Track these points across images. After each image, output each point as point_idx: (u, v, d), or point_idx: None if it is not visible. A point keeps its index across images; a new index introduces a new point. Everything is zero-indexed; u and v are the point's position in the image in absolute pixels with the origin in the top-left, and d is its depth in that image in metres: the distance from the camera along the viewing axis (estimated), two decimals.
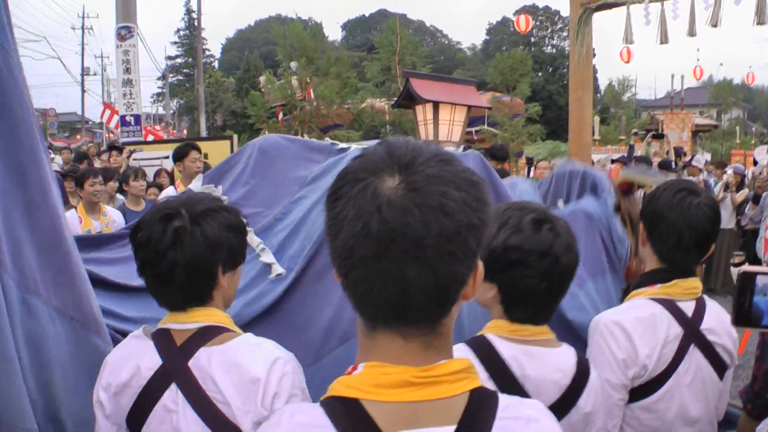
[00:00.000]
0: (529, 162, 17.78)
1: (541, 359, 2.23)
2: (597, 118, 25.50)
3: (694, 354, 2.65)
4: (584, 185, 5.03)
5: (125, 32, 14.92)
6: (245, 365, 2.09)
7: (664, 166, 12.65)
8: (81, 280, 2.58)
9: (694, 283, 2.76)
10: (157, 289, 2.21)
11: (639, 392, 2.60)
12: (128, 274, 3.47)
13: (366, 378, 1.30)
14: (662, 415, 2.61)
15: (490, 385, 1.96)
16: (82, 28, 60.97)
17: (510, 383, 2.09)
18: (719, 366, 2.73)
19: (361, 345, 1.36)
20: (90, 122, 63.64)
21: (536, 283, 2.18)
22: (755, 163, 16.14)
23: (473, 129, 21.41)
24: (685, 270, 2.76)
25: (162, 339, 2.18)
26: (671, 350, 2.61)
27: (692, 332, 2.66)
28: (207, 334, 2.17)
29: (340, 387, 1.31)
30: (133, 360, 2.17)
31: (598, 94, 62.21)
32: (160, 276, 2.16)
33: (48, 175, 2.52)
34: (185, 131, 51.43)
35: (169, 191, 7.97)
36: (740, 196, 12.60)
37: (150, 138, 19.75)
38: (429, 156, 1.26)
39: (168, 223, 2.14)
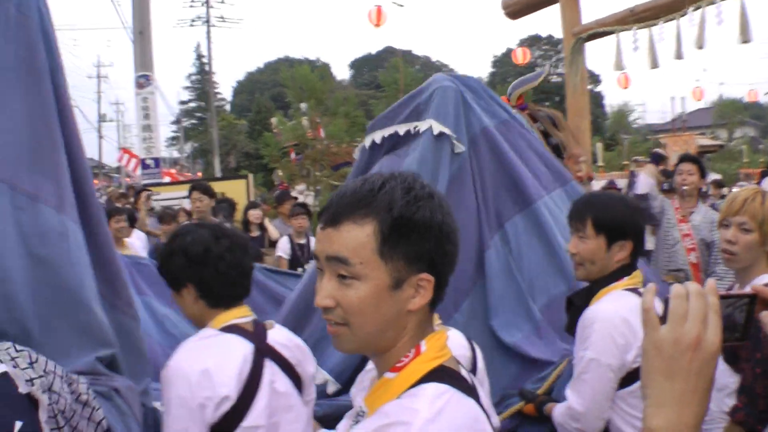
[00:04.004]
0: None
1: (452, 342, 2.93)
2: (600, 145, 25.56)
3: None
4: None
5: (143, 80, 15.68)
6: (296, 338, 2.89)
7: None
8: (116, 271, 3.12)
9: (639, 272, 3.25)
10: (231, 282, 2.71)
11: (628, 379, 2.99)
12: None
13: (434, 347, 1.65)
14: None
15: None
16: (98, 76, 62.37)
17: None
18: None
19: (416, 331, 1.65)
20: (106, 167, 64.58)
21: None
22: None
23: None
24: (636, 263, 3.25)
25: (240, 330, 2.67)
26: None
27: None
28: (259, 323, 2.77)
29: (423, 365, 1.60)
30: (235, 352, 2.58)
31: (607, 121, 62.51)
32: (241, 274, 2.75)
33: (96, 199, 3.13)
34: (200, 174, 52.10)
35: None
36: None
37: (167, 179, 20.54)
38: None
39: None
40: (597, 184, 12.90)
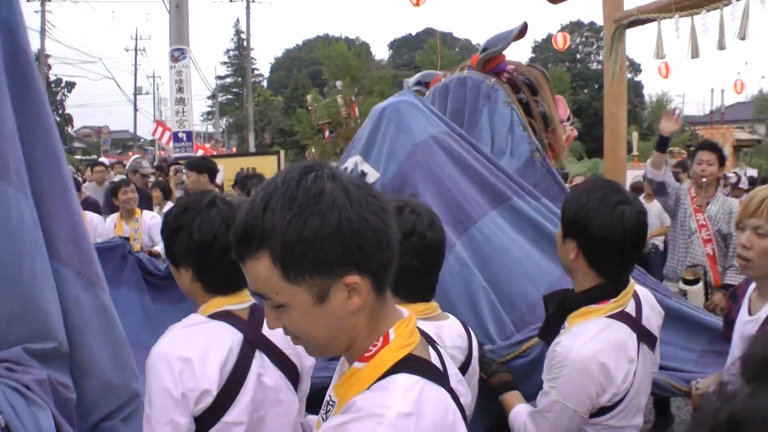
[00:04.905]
0: (564, 177, 17.80)
1: (448, 331, 2.74)
2: (635, 134, 25.27)
3: (642, 349, 2.72)
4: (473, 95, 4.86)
5: (178, 54, 15.66)
6: None
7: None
8: (89, 242, 2.84)
9: (632, 285, 2.79)
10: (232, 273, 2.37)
11: (599, 412, 2.63)
12: None
13: (403, 335, 1.62)
14: (625, 419, 2.68)
15: None
16: (135, 49, 62.83)
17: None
18: (654, 345, 2.86)
19: (371, 322, 1.61)
20: (141, 140, 65.22)
21: (409, 260, 2.51)
22: None
23: None
24: (626, 279, 2.77)
25: (231, 318, 2.45)
26: (634, 362, 2.66)
27: (641, 332, 2.73)
28: (257, 309, 2.51)
29: (392, 355, 1.58)
30: (221, 343, 2.37)
31: (646, 111, 61.82)
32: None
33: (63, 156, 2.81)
34: (234, 149, 52.45)
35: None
36: None
37: (200, 153, 20.63)
38: None
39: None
40: (631, 174, 12.69)
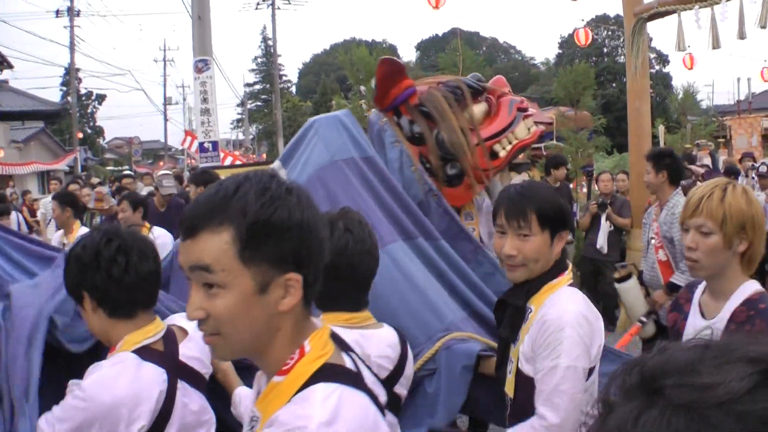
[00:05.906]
0: (589, 174, 17.72)
1: (376, 341, 2.73)
2: (662, 128, 24.92)
3: None
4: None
5: (202, 65, 15.85)
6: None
7: (732, 171, 12.32)
8: None
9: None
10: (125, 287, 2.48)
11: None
12: None
13: (318, 346, 1.69)
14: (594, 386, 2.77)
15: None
16: (164, 60, 63.41)
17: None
18: None
19: (294, 331, 1.68)
20: (172, 149, 65.74)
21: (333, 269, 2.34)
22: None
23: (542, 144, 21.44)
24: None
25: (151, 353, 2.48)
26: (600, 320, 2.85)
27: None
28: (170, 335, 2.59)
29: (309, 366, 1.64)
30: (152, 385, 2.42)
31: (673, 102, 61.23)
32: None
33: None
34: (264, 155, 52.84)
35: None
36: None
37: (228, 161, 20.82)
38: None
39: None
40: None
